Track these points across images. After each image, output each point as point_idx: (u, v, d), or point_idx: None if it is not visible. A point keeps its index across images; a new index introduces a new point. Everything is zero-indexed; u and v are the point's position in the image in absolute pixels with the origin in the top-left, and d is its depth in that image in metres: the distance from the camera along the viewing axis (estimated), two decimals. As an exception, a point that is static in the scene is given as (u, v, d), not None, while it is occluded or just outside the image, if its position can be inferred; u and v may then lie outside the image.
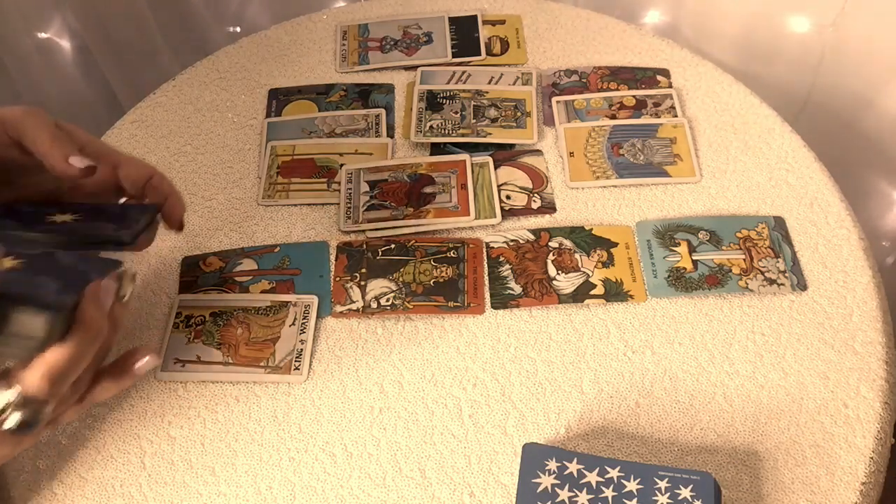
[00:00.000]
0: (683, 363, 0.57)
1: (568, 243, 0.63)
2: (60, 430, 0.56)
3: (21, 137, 0.49)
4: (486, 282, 0.61)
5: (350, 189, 0.67)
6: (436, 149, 0.70)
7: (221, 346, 0.58)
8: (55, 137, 0.49)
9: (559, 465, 0.48)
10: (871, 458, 0.52)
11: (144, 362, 0.48)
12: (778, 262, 0.61)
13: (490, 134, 0.70)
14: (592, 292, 0.60)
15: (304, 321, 0.59)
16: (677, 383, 0.56)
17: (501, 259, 0.62)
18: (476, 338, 0.59)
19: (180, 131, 0.73)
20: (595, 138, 0.69)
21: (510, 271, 0.62)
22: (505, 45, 0.78)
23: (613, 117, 0.71)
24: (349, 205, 0.66)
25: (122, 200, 0.54)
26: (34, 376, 0.41)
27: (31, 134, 0.49)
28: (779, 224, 0.63)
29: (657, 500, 0.46)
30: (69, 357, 0.42)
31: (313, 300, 0.61)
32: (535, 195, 0.66)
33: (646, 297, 0.60)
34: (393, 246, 0.64)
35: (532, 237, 0.64)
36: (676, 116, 0.70)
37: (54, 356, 0.41)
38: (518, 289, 0.61)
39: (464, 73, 0.75)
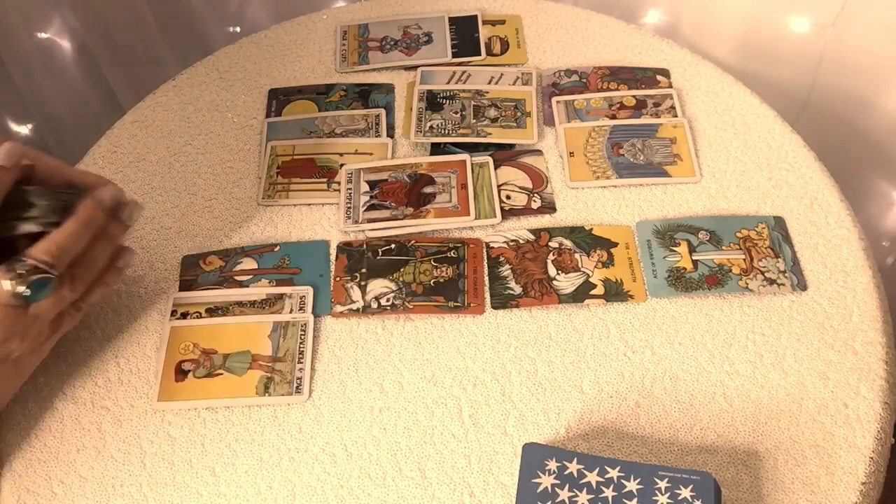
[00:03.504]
0: (683, 363, 0.57)
1: (568, 243, 0.63)
2: (60, 429, 0.56)
3: None
4: (486, 282, 0.61)
5: (350, 189, 0.67)
6: (436, 149, 0.70)
7: None
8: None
9: (559, 465, 0.48)
10: (871, 458, 0.52)
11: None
12: (778, 262, 0.61)
13: (490, 134, 0.70)
14: (592, 292, 0.60)
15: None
16: (677, 383, 0.56)
17: (501, 259, 0.62)
18: (476, 338, 0.59)
19: (180, 131, 0.73)
20: (595, 138, 0.69)
21: (510, 271, 0.62)
22: (505, 45, 0.78)
23: (613, 117, 0.71)
24: (349, 205, 0.66)
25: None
26: (38, 249, 0.50)
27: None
28: (779, 224, 0.63)
29: (657, 500, 0.46)
30: (65, 235, 0.51)
31: (308, 291, 0.61)
32: (535, 195, 0.66)
33: (646, 297, 0.60)
34: (393, 246, 0.64)
35: (532, 237, 0.64)
36: (676, 116, 0.70)
37: (54, 235, 0.50)
38: (518, 289, 0.61)
39: (464, 73, 0.75)
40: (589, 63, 0.76)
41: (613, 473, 0.48)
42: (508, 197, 0.66)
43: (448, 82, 0.75)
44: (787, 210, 0.64)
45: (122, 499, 0.53)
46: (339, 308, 0.60)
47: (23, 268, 0.49)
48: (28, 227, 0.51)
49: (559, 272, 0.61)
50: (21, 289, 0.49)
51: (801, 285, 0.60)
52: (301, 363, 0.58)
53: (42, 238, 0.50)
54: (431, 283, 0.61)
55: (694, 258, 0.61)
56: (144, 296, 0.62)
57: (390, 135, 0.72)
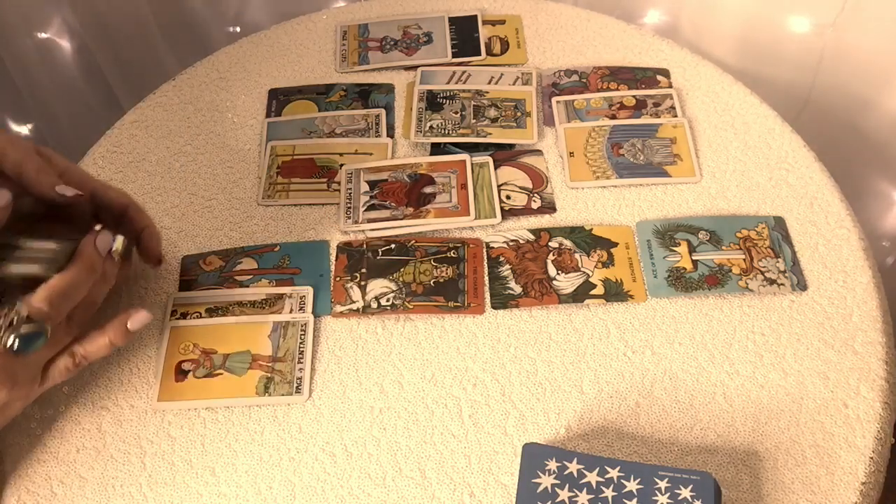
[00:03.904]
0: (683, 363, 0.57)
1: (568, 243, 0.63)
2: (60, 429, 0.56)
3: (2, 164, 0.51)
4: (486, 282, 0.61)
5: (350, 189, 0.67)
6: (436, 149, 0.70)
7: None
8: (40, 167, 0.52)
9: (559, 465, 0.48)
10: (871, 458, 0.52)
11: (138, 319, 0.53)
12: (778, 262, 0.61)
13: (490, 134, 0.70)
14: (592, 292, 0.60)
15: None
16: (677, 383, 0.56)
17: (501, 259, 0.62)
18: (476, 338, 0.59)
19: (180, 131, 0.73)
20: (595, 138, 0.69)
21: (510, 271, 0.62)
22: (505, 45, 0.78)
23: (613, 117, 0.71)
24: (349, 205, 0.66)
25: (98, 227, 0.54)
26: (37, 297, 0.48)
27: (14, 162, 0.51)
28: (779, 224, 0.63)
29: (657, 500, 0.46)
30: (67, 282, 0.49)
31: (308, 291, 0.61)
32: (535, 195, 0.66)
33: (646, 297, 0.60)
34: (393, 246, 0.64)
35: (532, 237, 0.64)
36: (676, 116, 0.70)
37: (54, 282, 0.48)
38: (518, 289, 0.61)
39: (464, 73, 0.75)
40: (589, 63, 0.76)
41: (613, 473, 0.48)
42: (508, 197, 0.66)
43: (448, 82, 0.75)
44: (787, 210, 0.64)
45: (122, 499, 0.53)
46: (339, 308, 0.60)
47: (14, 317, 0.46)
48: (16, 270, 0.49)
49: (559, 272, 0.61)
50: (10, 341, 0.46)
51: (801, 285, 0.60)
52: (301, 363, 0.58)
53: (41, 285, 0.48)
54: (431, 283, 0.61)
55: (694, 258, 0.61)
56: (144, 296, 0.62)
57: (390, 135, 0.72)
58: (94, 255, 0.51)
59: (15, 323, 0.46)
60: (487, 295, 0.61)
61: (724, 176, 0.67)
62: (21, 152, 0.52)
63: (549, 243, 0.63)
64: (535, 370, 0.57)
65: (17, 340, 0.46)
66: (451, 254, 0.63)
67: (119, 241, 0.53)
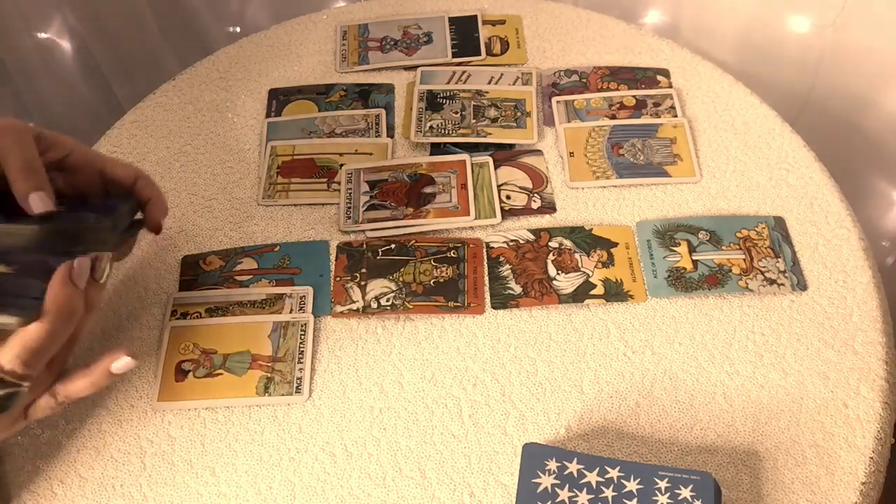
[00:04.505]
0: (683, 363, 0.57)
1: (568, 243, 0.63)
2: (61, 429, 0.56)
3: None
4: (486, 282, 0.61)
5: (350, 189, 0.67)
6: (436, 149, 0.70)
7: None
8: (26, 167, 0.48)
9: (559, 465, 0.48)
10: (871, 458, 0.52)
11: (121, 363, 0.48)
12: (778, 262, 0.61)
13: (490, 134, 0.70)
14: (592, 292, 0.60)
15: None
16: (677, 383, 0.56)
17: (501, 259, 0.62)
18: (476, 338, 0.59)
19: (180, 131, 0.73)
20: (595, 138, 0.69)
21: (510, 271, 0.62)
22: (505, 45, 0.78)
23: (613, 117, 0.71)
24: (349, 205, 0.66)
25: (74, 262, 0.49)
26: (8, 354, 0.42)
27: (3, 155, 0.47)
28: (779, 224, 0.63)
29: (657, 500, 0.46)
30: (43, 335, 0.43)
31: (308, 291, 0.61)
32: (535, 195, 0.66)
33: (646, 297, 0.60)
34: (393, 246, 0.64)
35: (532, 237, 0.64)
36: (676, 116, 0.70)
37: (28, 334, 0.42)
38: (518, 289, 0.61)
39: (464, 73, 0.75)
40: (589, 63, 0.76)
41: (613, 473, 0.48)
42: (508, 197, 0.66)
43: (448, 82, 0.75)
44: (787, 210, 0.64)
45: (122, 499, 0.53)
46: (339, 308, 0.60)
47: None
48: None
49: (559, 272, 0.61)
50: None
51: (801, 285, 0.60)
52: (301, 363, 0.58)
53: (10, 338, 0.42)
54: (431, 283, 0.61)
55: (694, 258, 0.61)
56: (144, 296, 0.62)
57: (390, 135, 0.72)
58: (67, 296, 0.44)
59: None
60: (487, 295, 0.61)
61: (724, 176, 0.67)
62: (13, 145, 0.48)
63: (549, 243, 0.63)
64: (535, 370, 0.57)
65: None
66: (451, 254, 0.63)
67: (105, 260, 0.47)
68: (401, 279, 0.62)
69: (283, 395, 0.56)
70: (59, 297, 0.44)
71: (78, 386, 0.48)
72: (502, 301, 0.60)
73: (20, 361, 0.42)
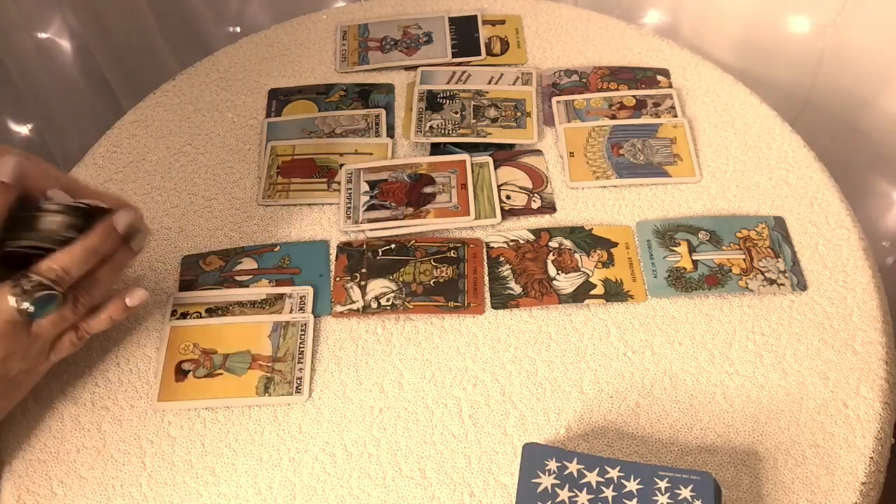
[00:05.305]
0: (683, 363, 0.57)
1: (568, 243, 0.63)
2: (60, 429, 0.56)
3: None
4: (486, 282, 0.61)
5: (350, 189, 0.67)
6: (436, 149, 0.70)
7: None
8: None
9: (559, 465, 0.48)
10: (871, 458, 0.52)
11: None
12: (778, 262, 0.61)
13: (490, 134, 0.70)
14: (592, 292, 0.60)
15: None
16: (677, 383, 0.56)
17: (501, 259, 0.62)
18: (476, 338, 0.59)
19: (180, 131, 0.73)
20: (595, 138, 0.69)
21: (510, 271, 0.62)
22: (505, 45, 0.78)
23: (613, 117, 0.71)
24: (349, 205, 0.66)
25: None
26: (45, 265, 0.50)
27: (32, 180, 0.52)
28: (779, 224, 0.63)
29: (657, 500, 0.46)
30: (73, 257, 0.51)
31: (308, 291, 0.61)
32: (535, 195, 0.66)
33: (646, 297, 0.60)
34: (393, 246, 0.64)
35: (532, 237, 0.64)
36: (676, 116, 0.70)
37: (61, 255, 0.51)
38: (518, 289, 0.61)
39: (464, 73, 0.75)
40: (589, 63, 0.76)
41: (613, 473, 0.48)
42: (508, 197, 0.66)
43: (448, 82, 0.75)
44: (787, 210, 0.64)
45: (122, 499, 0.53)
46: (339, 308, 0.60)
47: (28, 284, 0.49)
48: (33, 243, 0.51)
49: (559, 272, 0.61)
50: (25, 305, 0.49)
51: (801, 285, 0.60)
52: (301, 363, 0.58)
53: (50, 255, 0.51)
54: (431, 283, 0.61)
55: (694, 258, 0.61)
56: (144, 296, 0.63)
57: (390, 135, 0.72)
58: (102, 235, 0.52)
59: (29, 289, 0.49)
60: (487, 295, 0.61)
61: (724, 176, 0.67)
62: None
63: (549, 243, 0.63)
64: (535, 370, 0.57)
65: (31, 305, 0.49)
66: (451, 254, 0.63)
67: (140, 236, 0.55)
68: (401, 279, 0.62)
69: (282, 395, 0.56)
70: (97, 232, 0.52)
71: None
72: (502, 301, 0.60)
73: (53, 272, 0.50)
